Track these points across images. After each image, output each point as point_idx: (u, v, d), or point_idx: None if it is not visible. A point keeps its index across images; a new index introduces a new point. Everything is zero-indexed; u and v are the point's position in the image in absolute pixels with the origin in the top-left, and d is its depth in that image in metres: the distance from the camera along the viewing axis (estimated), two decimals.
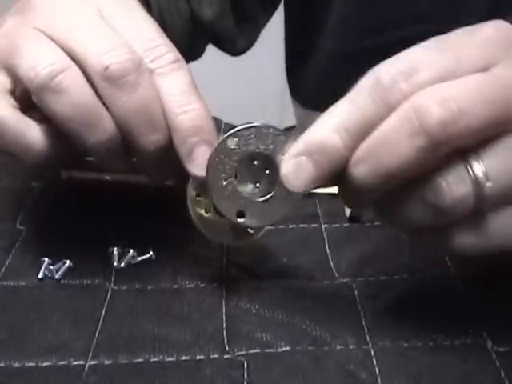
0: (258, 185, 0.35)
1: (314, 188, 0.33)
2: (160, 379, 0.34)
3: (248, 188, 0.35)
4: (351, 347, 0.36)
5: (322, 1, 0.64)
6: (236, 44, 0.72)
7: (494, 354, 0.36)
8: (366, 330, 0.38)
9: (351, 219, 0.47)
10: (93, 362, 0.35)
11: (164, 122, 0.37)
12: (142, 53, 0.37)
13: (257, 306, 0.39)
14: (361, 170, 0.31)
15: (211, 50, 0.75)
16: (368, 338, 0.37)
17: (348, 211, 0.48)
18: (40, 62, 0.35)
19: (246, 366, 0.35)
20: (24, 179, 0.51)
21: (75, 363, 0.35)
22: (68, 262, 0.42)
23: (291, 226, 0.47)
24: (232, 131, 0.35)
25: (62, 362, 0.35)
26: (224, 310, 0.39)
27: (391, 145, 0.30)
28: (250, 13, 0.70)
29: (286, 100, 0.77)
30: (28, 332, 0.37)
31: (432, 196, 0.31)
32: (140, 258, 0.43)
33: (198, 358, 0.36)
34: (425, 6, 0.58)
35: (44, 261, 0.42)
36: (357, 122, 0.31)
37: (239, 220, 0.36)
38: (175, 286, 0.40)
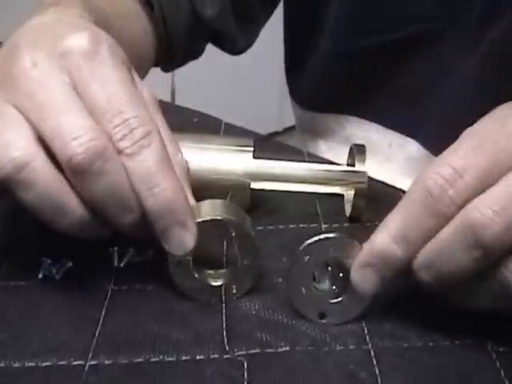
0: (334, 287, 0.38)
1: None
2: (160, 379, 0.34)
3: (326, 291, 0.38)
4: (351, 347, 0.36)
5: (321, 0, 0.64)
6: (236, 43, 0.72)
7: (494, 353, 0.36)
8: (365, 330, 0.38)
9: (351, 219, 0.47)
10: (93, 362, 0.35)
11: (136, 201, 0.37)
12: (111, 130, 0.36)
13: (257, 307, 0.39)
14: (423, 275, 0.35)
15: (211, 50, 0.75)
16: (368, 338, 0.37)
17: (348, 211, 0.48)
18: (7, 152, 0.35)
19: (245, 366, 0.35)
20: None
21: (75, 363, 0.35)
22: (68, 262, 0.42)
23: (291, 226, 0.47)
24: (307, 243, 0.37)
25: (62, 362, 0.35)
26: (224, 310, 0.39)
27: (448, 256, 0.33)
28: (250, 12, 0.71)
29: (286, 100, 0.77)
30: (28, 332, 0.37)
31: (499, 287, 0.33)
32: (140, 258, 0.43)
33: (197, 357, 0.36)
34: (422, 6, 0.58)
35: (44, 261, 0.42)
36: (414, 231, 0.34)
37: (321, 321, 0.38)
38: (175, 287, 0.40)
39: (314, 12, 0.65)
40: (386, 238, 0.35)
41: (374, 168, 0.50)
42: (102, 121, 0.36)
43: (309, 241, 0.37)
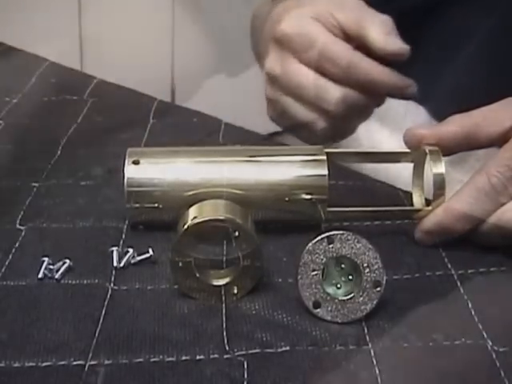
0: (339, 286, 0.38)
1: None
2: (160, 379, 0.34)
3: (331, 285, 0.38)
4: (351, 347, 0.36)
5: None
6: None
7: (494, 353, 0.36)
8: (365, 330, 0.38)
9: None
10: (93, 362, 0.35)
11: None
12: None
13: (257, 307, 0.39)
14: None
15: (211, 51, 0.75)
16: (368, 338, 0.37)
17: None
18: None
19: (246, 365, 0.35)
20: (24, 179, 0.51)
21: (75, 363, 0.35)
22: (68, 261, 0.42)
23: (291, 226, 0.47)
24: (330, 233, 0.38)
25: (62, 362, 0.35)
26: (224, 310, 0.39)
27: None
28: None
29: None
30: (28, 332, 0.37)
31: None
32: (140, 258, 0.43)
33: (197, 357, 0.36)
34: None
35: (44, 261, 0.42)
36: (477, 213, 0.43)
37: (314, 310, 0.38)
38: (175, 286, 0.40)
39: None
40: (450, 215, 0.44)
41: (386, 137, 0.52)
42: None
43: (315, 239, 0.37)
